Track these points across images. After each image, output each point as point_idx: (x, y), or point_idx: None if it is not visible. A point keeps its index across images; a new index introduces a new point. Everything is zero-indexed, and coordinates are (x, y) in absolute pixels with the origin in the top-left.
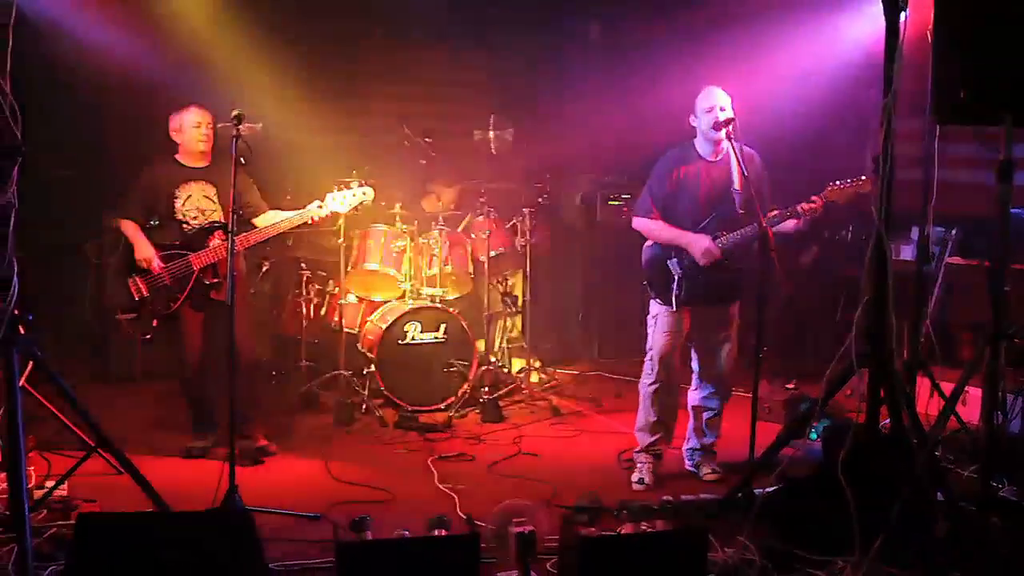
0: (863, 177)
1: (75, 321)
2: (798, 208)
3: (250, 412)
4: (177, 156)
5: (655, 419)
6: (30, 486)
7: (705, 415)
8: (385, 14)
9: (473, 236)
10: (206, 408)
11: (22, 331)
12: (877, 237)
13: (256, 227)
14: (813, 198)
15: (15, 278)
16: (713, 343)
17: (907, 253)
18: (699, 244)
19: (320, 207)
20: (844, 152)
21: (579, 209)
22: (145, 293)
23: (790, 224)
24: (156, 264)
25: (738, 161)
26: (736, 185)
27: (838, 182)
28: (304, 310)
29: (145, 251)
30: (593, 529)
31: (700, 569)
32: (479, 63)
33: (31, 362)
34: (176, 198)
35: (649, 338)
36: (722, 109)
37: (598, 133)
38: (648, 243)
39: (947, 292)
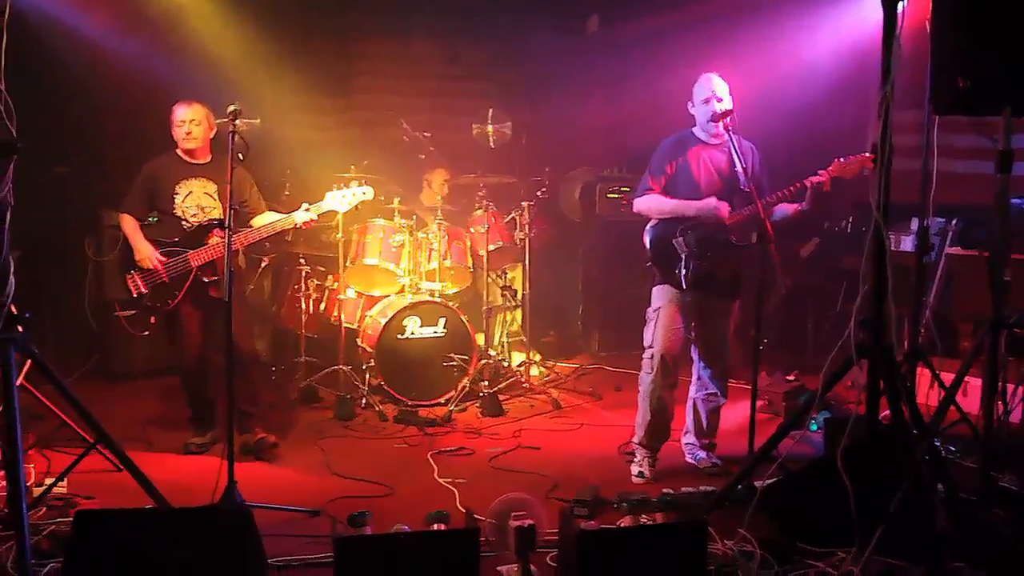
0: (867, 153)
1: (74, 318)
2: (806, 182)
3: (249, 408)
4: (178, 151)
5: (654, 414)
6: (30, 483)
7: (704, 409)
8: (382, 8)
9: (472, 230)
10: (206, 405)
11: (20, 329)
12: (875, 227)
13: (252, 227)
14: (820, 172)
15: (11, 276)
16: (713, 338)
17: (907, 244)
18: (706, 204)
19: (307, 211)
20: (845, 141)
21: (578, 202)
22: (144, 290)
23: (791, 208)
24: (155, 262)
25: (738, 155)
26: (738, 166)
27: (843, 158)
28: (303, 305)
29: (143, 250)
30: (593, 522)
31: (700, 562)
32: (477, 57)
33: (29, 360)
34: (176, 194)
35: (650, 332)
36: (719, 100)
37: (597, 126)
38: (650, 224)
39: (947, 283)
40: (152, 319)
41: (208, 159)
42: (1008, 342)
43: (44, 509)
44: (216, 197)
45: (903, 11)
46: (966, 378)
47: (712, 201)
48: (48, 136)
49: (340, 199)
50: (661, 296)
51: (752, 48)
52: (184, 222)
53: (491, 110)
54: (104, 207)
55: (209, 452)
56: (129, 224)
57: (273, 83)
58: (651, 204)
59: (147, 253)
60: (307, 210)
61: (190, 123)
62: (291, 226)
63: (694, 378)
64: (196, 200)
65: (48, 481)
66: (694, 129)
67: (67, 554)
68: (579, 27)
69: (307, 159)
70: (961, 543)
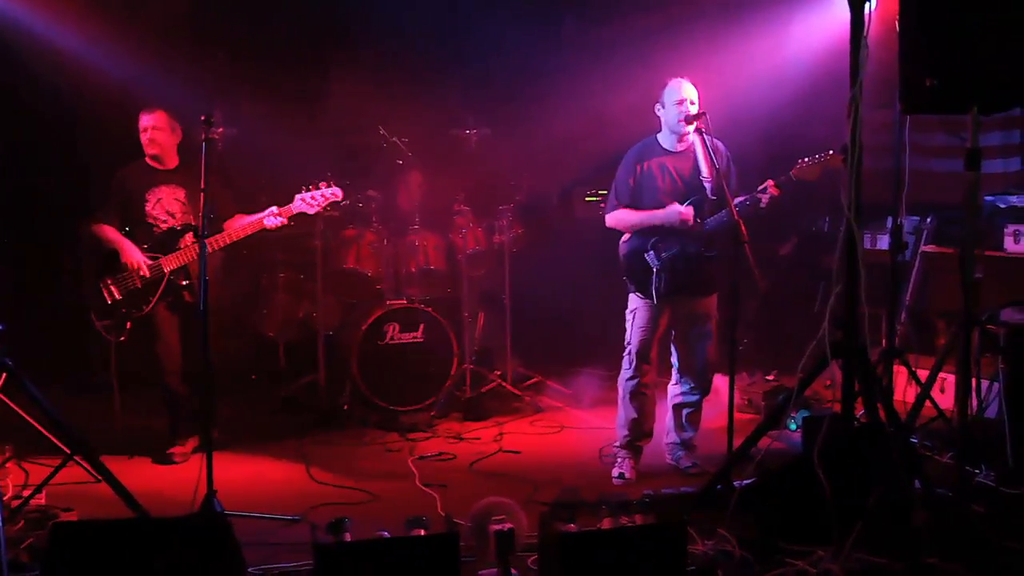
0: (831, 152)
1: (52, 328)
2: (759, 195)
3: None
4: (147, 159)
5: (635, 415)
6: (7, 497)
7: (685, 410)
8: (358, 15)
9: (451, 235)
10: (183, 412)
11: None
12: (847, 226)
13: (224, 230)
14: (768, 182)
15: None
16: (692, 338)
17: (885, 243)
18: (670, 212)
19: (276, 215)
20: (818, 141)
21: (557, 206)
22: (117, 296)
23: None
24: (143, 264)
25: (707, 152)
26: (705, 174)
27: (806, 159)
28: (282, 312)
29: (130, 252)
30: (573, 525)
31: (680, 562)
32: (455, 62)
33: (4, 372)
34: (146, 201)
35: (628, 333)
36: (692, 103)
37: (575, 130)
38: (624, 238)
39: (923, 280)
40: (128, 325)
41: (176, 164)
42: (981, 339)
43: (22, 522)
44: (186, 202)
45: (871, 12)
46: (943, 375)
47: (675, 207)
48: (25, 147)
49: (309, 201)
50: (636, 298)
51: (724, 49)
52: (155, 228)
53: (469, 115)
54: (81, 218)
55: (188, 461)
56: (111, 232)
57: (249, 90)
58: (620, 218)
59: (135, 255)
60: (277, 214)
61: (152, 129)
62: (260, 229)
63: (673, 379)
64: (166, 206)
65: (26, 494)
66: (658, 136)
67: (43, 567)
68: (555, 30)
69: (284, 166)
70: (938, 538)
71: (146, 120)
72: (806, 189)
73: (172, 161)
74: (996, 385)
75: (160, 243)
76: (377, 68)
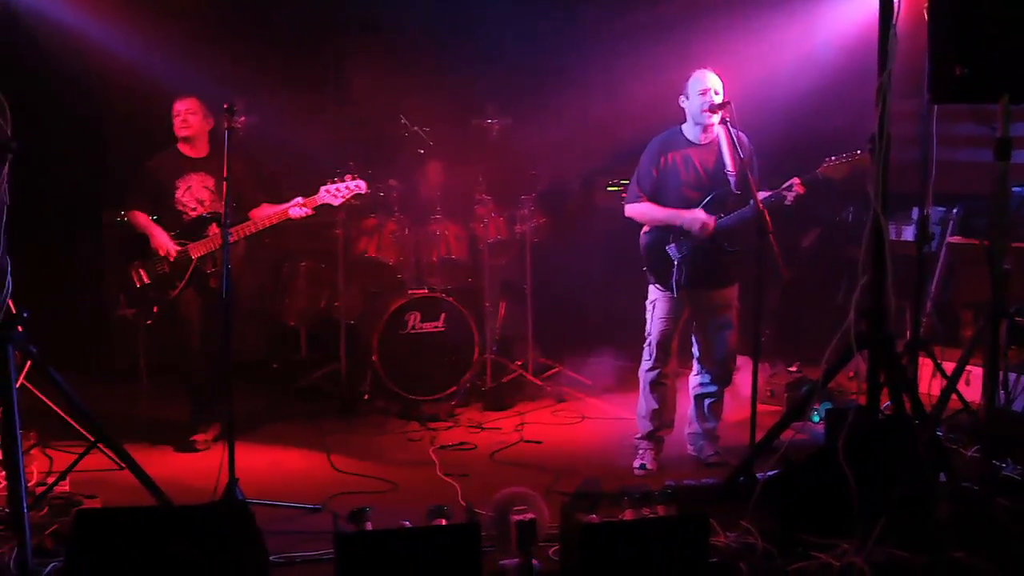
0: (858, 152)
1: (76, 316)
2: (784, 192)
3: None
4: (178, 147)
5: (655, 405)
6: (32, 483)
7: (707, 400)
8: (377, 3)
9: (472, 224)
10: (205, 399)
11: (19, 329)
12: (874, 217)
13: (249, 219)
14: (794, 180)
15: (8, 276)
16: (713, 328)
17: (909, 234)
18: (693, 218)
19: (302, 205)
20: (844, 133)
21: (579, 195)
22: (146, 281)
23: (789, 197)
24: (172, 249)
25: (731, 144)
26: (729, 167)
27: (833, 158)
28: (304, 301)
29: (161, 238)
30: (594, 516)
31: (702, 554)
32: (476, 50)
33: (29, 360)
34: (176, 188)
35: (648, 323)
36: (716, 93)
37: (596, 119)
38: (645, 229)
39: (949, 272)
40: (155, 309)
41: (206, 153)
42: (1009, 331)
43: (46, 508)
44: (215, 190)
45: (899, 0)
46: (968, 367)
47: (698, 215)
48: (47, 135)
49: (334, 193)
50: (656, 289)
51: (751, 39)
52: (184, 215)
53: (490, 104)
54: (104, 207)
55: (210, 449)
56: (142, 218)
57: (271, 81)
58: (642, 212)
59: (164, 241)
60: (302, 205)
61: (185, 112)
62: (285, 219)
63: (694, 369)
64: (195, 194)
65: (51, 481)
66: (683, 127)
67: (67, 553)
68: (578, 18)
69: (307, 155)
70: (963, 532)
71: (180, 105)
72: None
73: (203, 149)
74: (1023, 378)
75: (188, 230)
76: (399, 57)
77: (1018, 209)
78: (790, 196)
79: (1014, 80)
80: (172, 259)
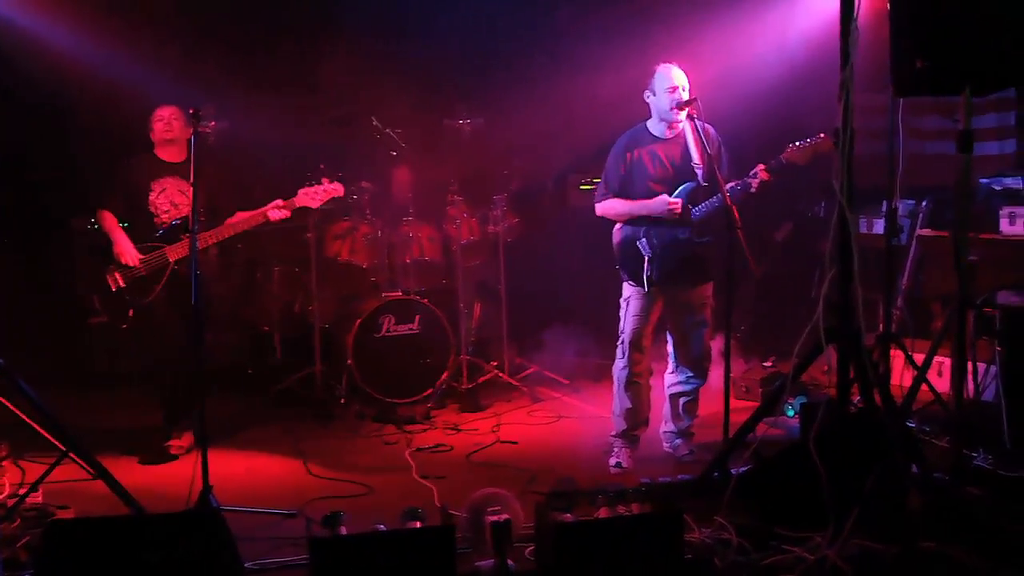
0: (821, 135)
1: (45, 325)
2: (750, 181)
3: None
4: (155, 152)
5: (629, 404)
6: (3, 496)
7: (682, 399)
8: (348, 6)
9: (445, 225)
10: (180, 404)
11: None
12: (839, 210)
13: (226, 223)
14: (758, 167)
15: None
16: (687, 326)
17: (879, 227)
18: (659, 202)
19: (280, 207)
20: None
21: (551, 194)
22: (122, 284)
23: (754, 184)
24: (135, 258)
25: (697, 137)
26: (696, 160)
27: (797, 143)
28: (277, 305)
29: (124, 245)
30: (569, 515)
31: (677, 551)
32: (447, 51)
33: None
34: (151, 190)
35: (621, 321)
36: (684, 89)
37: (569, 118)
38: (617, 227)
39: (919, 264)
40: (130, 312)
41: (183, 159)
42: (976, 322)
43: (19, 520)
44: (189, 195)
45: None
46: (939, 358)
47: (663, 198)
48: (17, 144)
49: (312, 195)
50: (629, 287)
51: (718, 33)
52: (156, 218)
53: (463, 105)
54: (75, 214)
55: (184, 455)
56: (109, 220)
57: (241, 84)
58: (610, 207)
59: (127, 248)
60: (281, 207)
61: (170, 117)
62: (263, 221)
63: (670, 368)
64: (170, 197)
65: (22, 492)
66: (648, 123)
67: (38, 565)
68: (550, 17)
69: (278, 159)
70: (935, 522)
71: (163, 111)
72: (801, 174)
73: (182, 154)
74: (993, 368)
75: (166, 235)
76: (369, 58)
77: (985, 201)
78: (755, 183)
79: (975, 72)
80: (136, 266)
